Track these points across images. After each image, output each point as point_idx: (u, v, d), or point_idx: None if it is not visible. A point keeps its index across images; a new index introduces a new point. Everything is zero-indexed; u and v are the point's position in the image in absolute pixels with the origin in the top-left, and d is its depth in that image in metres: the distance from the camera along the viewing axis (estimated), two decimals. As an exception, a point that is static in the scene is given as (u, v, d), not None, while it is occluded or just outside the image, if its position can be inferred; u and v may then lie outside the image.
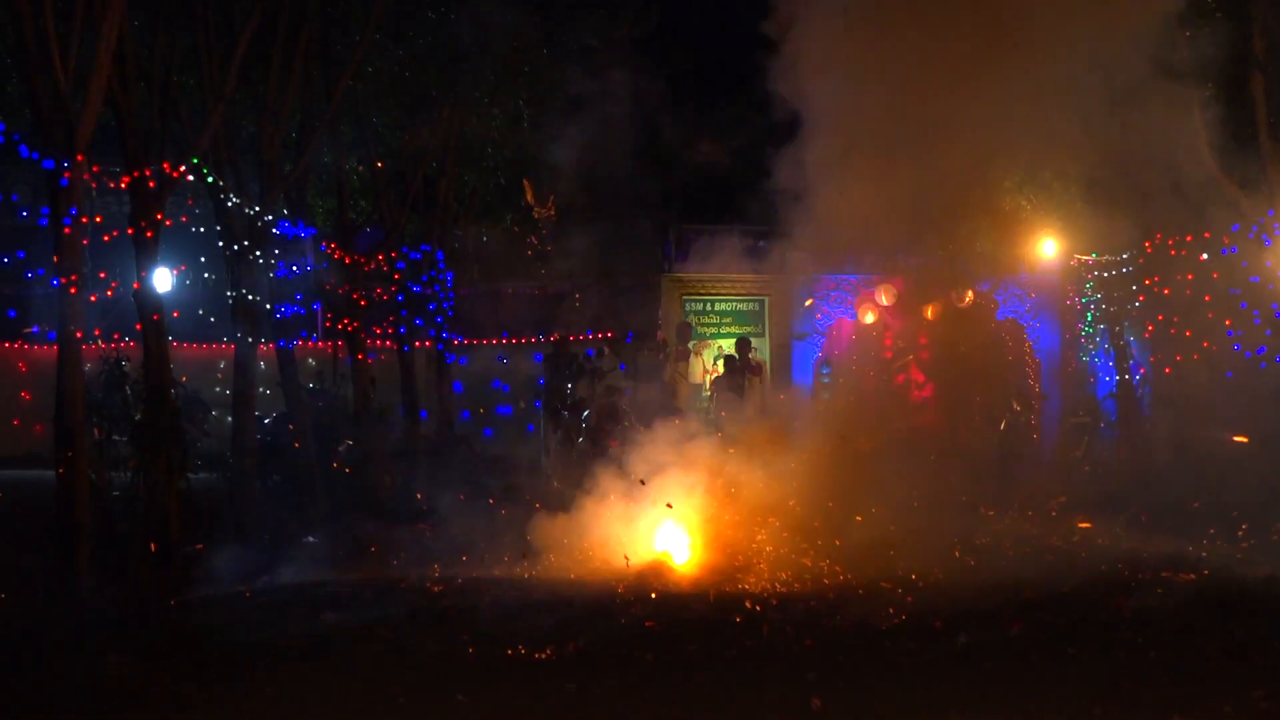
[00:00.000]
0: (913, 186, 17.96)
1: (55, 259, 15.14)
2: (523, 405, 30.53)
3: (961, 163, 18.11)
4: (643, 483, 16.99)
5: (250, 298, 20.00)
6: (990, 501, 19.03)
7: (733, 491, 17.04)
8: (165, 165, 16.74)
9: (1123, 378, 25.65)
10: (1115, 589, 14.32)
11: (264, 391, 22.07)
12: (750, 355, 26.58)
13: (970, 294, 27.75)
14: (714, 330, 29.63)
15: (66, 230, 14.97)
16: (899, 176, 17.88)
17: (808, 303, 29.09)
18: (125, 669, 11.33)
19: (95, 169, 16.16)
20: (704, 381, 28.09)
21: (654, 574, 15.63)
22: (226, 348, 21.49)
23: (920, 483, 17.51)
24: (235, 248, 19.80)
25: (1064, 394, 27.69)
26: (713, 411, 25.28)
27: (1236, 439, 19.51)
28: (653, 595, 14.61)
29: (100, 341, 19.39)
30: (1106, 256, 25.02)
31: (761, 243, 29.11)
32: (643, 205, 31.79)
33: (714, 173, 33.52)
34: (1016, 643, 12.02)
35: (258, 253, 20.09)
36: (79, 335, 15.28)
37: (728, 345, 28.85)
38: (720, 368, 26.92)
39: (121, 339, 19.33)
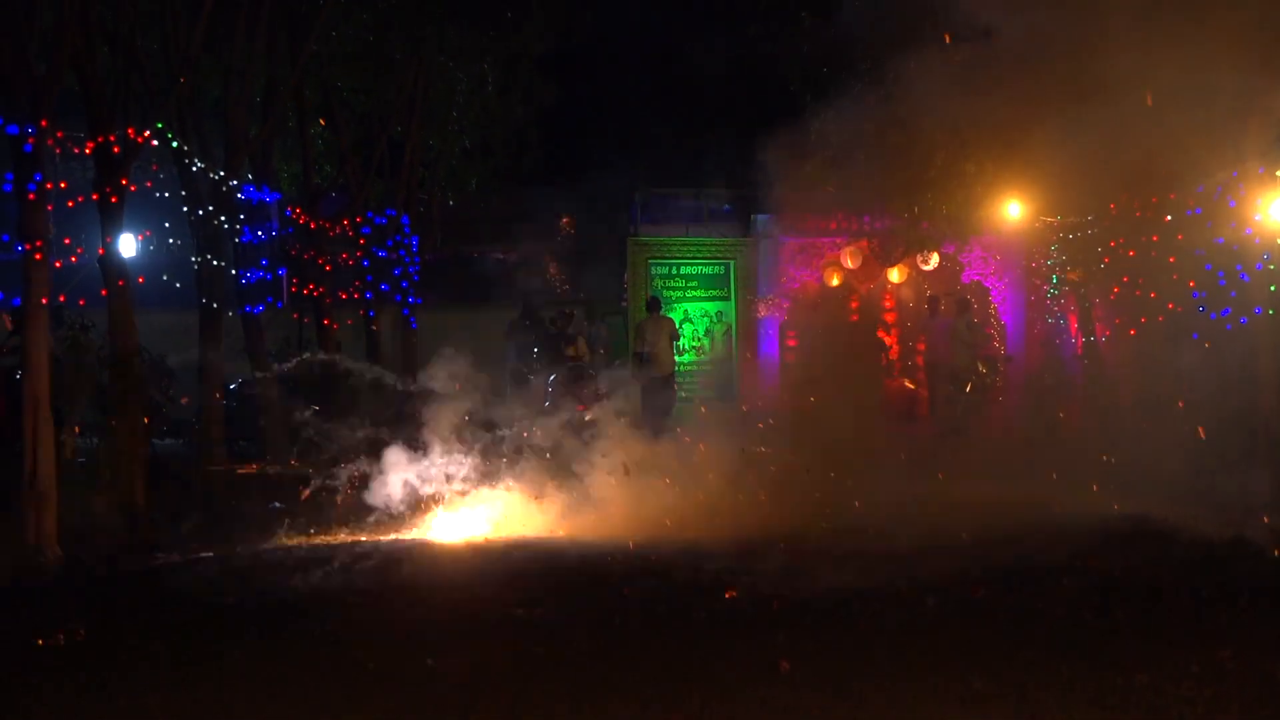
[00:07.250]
0: (881, 150, 18.03)
1: (19, 225, 15.10)
2: (489, 369, 30.58)
3: (928, 126, 18.18)
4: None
5: (215, 263, 19.97)
6: (955, 465, 19.06)
7: (701, 458, 17.11)
8: (130, 130, 16.68)
9: (1088, 340, 25.68)
10: (1082, 550, 14.38)
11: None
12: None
13: (935, 257, 27.85)
14: (679, 294, 29.64)
15: (31, 196, 14.91)
16: (868, 140, 17.96)
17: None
18: (91, 633, 11.31)
19: (59, 134, 16.05)
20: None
21: (622, 538, 15.70)
22: (192, 314, 21.38)
23: (886, 447, 17.55)
24: (200, 213, 19.77)
25: (1028, 357, 27.79)
26: None
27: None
28: (619, 559, 14.65)
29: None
30: (1071, 219, 24.99)
31: (728, 206, 29.22)
32: (609, 168, 31.82)
33: (681, 135, 33.55)
34: (983, 605, 12.06)
35: (222, 218, 20.06)
36: (44, 302, 15.24)
37: (694, 309, 28.91)
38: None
39: (86, 305, 19.28)
